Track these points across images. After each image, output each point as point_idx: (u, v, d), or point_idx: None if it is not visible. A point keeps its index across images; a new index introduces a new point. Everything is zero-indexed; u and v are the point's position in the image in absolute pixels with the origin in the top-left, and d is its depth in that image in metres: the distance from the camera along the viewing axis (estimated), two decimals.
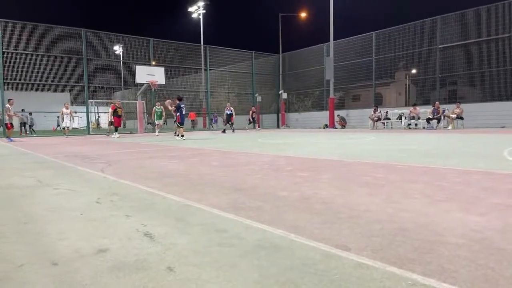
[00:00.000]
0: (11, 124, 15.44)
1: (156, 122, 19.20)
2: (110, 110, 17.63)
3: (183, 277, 1.54)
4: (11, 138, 15.21)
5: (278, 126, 22.46)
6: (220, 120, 29.47)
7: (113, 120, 17.38)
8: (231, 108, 21.33)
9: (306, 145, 9.35)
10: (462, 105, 17.97)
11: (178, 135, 13.86)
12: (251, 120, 24.10)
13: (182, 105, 13.93)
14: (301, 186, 3.53)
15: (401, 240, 1.94)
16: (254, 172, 4.51)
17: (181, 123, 13.93)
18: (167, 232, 2.17)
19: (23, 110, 22.37)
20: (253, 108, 24.79)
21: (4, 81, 18.87)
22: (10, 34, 18.92)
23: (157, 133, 18.77)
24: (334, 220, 2.33)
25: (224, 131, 20.37)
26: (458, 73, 19.91)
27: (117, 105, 17.22)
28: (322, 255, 1.75)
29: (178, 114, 13.93)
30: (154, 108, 19.24)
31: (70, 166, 5.66)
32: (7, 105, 15.24)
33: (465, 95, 20.44)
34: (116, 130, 17.27)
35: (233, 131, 20.80)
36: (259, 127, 26.04)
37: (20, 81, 19.87)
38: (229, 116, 20.95)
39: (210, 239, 2.02)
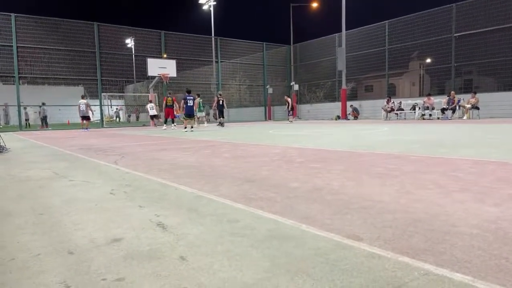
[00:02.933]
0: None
1: (198, 115, 18.45)
2: (169, 103, 17.86)
3: (195, 266, 1.56)
4: (87, 128, 18.05)
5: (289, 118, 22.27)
6: (231, 112, 29.42)
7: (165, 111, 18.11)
8: (222, 99, 18.85)
9: (318, 136, 9.30)
10: (478, 95, 17.59)
11: (185, 127, 14.25)
12: (289, 110, 21.87)
13: (188, 97, 14.26)
14: (313, 177, 3.53)
15: (413, 230, 1.92)
16: (265, 164, 4.52)
17: (186, 115, 14.36)
18: (179, 222, 2.20)
19: (43, 104, 22.87)
20: (285, 97, 22.38)
21: (19, 75, 19.18)
22: (23, 28, 19.17)
23: (196, 125, 18.79)
24: (346, 211, 2.32)
25: (222, 124, 18.46)
26: (474, 62, 19.47)
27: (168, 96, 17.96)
28: (333, 245, 1.75)
29: (184, 106, 14.37)
30: (197, 99, 18.44)
31: (85, 159, 5.76)
32: (87, 100, 18.05)
33: (481, 85, 20.01)
34: (172, 122, 17.78)
35: (222, 125, 18.43)
36: (294, 116, 23.68)
37: (34, 75, 20.20)
38: (221, 107, 18.60)
39: (222, 229, 2.04)
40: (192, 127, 14.32)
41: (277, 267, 1.53)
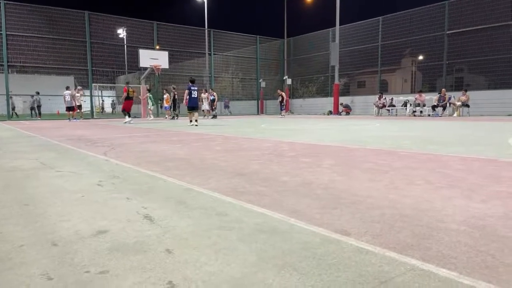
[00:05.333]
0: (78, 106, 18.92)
1: (150, 107, 20.20)
2: (124, 94, 16.05)
3: (182, 259, 1.54)
4: (75, 119, 18.24)
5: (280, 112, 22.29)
6: (223, 105, 29.44)
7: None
8: (214, 93, 21.56)
9: (310, 131, 9.31)
10: (469, 93, 17.75)
11: (190, 120, 12.65)
12: (282, 104, 21.96)
13: (192, 88, 12.66)
14: (303, 171, 3.52)
15: (401, 225, 1.93)
16: (256, 157, 4.50)
17: (190, 107, 12.77)
18: (167, 215, 2.18)
19: (37, 93, 22.58)
20: (279, 91, 22.30)
21: (8, 64, 18.84)
22: (13, 16, 18.79)
23: (151, 118, 19.77)
24: (334, 205, 2.32)
25: (215, 117, 20.71)
26: (466, 60, 19.62)
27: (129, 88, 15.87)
28: (321, 239, 1.75)
29: (187, 97, 12.74)
30: (147, 94, 20.07)
31: (73, 149, 5.68)
32: (71, 91, 18.18)
33: (472, 83, 20.19)
34: (129, 115, 15.65)
35: (215, 116, 20.89)
36: (287, 111, 24.48)
37: (24, 64, 19.85)
38: (212, 102, 21.10)
39: (210, 223, 2.02)
40: (196, 120, 12.60)
41: (264, 261, 1.51)
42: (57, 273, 1.42)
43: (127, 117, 15.38)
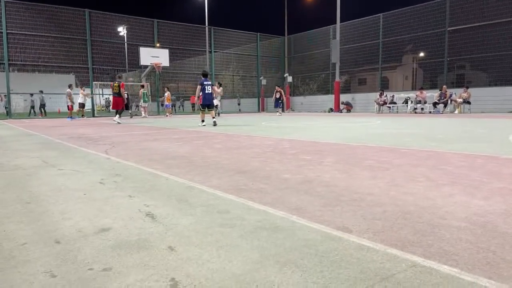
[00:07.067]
0: (72, 105, 18.38)
1: (143, 104, 20.25)
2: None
3: (184, 256, 1.55)
4: (72, 117, 17.70)
5: (283, 110, 22.10)
6: (224, 103, 29.41)
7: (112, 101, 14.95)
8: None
9: (310, 128, 9.31)
10: (470, 89, 17.70)
11: (202, 120, 11.18)
12: (280, 101, 20.51)
13: (205, 82, 10.88)
14: (304, 169, 3.52)
15: (403, 222, 1.93)
16: (257, 155, 4.51)
17: (204, 105, 11.04)
18: (169, 212, 2.19)
19: (41, 92, 22.58)
20: (277, 88, 20.74)
21: (9, 62, 18.83)
22: (14, 14, 18.78)
23: (143, 115, 19.97)
24: (336, 203, 2.33)
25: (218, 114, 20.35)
26: (467, 57, 19.56)
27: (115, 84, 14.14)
28: (323, 236, 1.75)
29: (201, 94, 10.89)
30: (141, 90, 20.04)
31: (75, 148, 5.69)
32: (69, 90, 18.26)
33: (473, 79, 20.13)
34: (117, 113, 13.84)
35: (218, 114, 20.27)
36: (287, 109, 24.38)
37: (25, 63, 19.85)
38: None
39: (212, 220, 2.03)
40: (214, 118, 11.06)
41: (266, 258, 1.52)
42: (60, 271, 1.43)
43: (116, 116, 13.68)
